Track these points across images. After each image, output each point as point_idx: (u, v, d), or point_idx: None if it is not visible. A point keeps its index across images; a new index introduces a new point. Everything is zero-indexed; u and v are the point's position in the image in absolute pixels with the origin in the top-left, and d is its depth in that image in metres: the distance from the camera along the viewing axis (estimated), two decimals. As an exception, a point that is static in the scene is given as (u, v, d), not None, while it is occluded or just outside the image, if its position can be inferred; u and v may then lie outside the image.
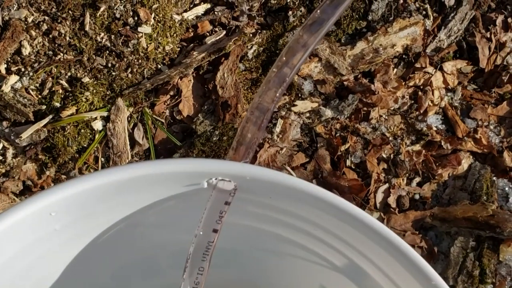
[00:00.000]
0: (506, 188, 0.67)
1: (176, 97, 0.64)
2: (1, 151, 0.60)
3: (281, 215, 0.32)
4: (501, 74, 0.72)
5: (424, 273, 0.27)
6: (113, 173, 0.28)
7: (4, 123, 0.61)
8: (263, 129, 0.51)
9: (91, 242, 0.34)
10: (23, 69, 0.60)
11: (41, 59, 0.60)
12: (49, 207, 0.28)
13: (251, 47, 0.67)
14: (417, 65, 0.70)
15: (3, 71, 0.60)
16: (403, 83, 0.70)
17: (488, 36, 0.72)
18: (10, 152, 0.60)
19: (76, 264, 0.36)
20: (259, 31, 0.67)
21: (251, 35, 0.66)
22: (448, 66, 0.71)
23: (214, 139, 0.64)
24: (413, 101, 0.70)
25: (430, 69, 0.71)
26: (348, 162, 0.68)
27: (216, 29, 0.67)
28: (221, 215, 0.30)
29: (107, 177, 0.28)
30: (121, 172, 0.28)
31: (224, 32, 0.66)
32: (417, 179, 0.68)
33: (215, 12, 0.66)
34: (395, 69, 0.70)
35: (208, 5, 0.66)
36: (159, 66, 0.63)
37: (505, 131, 0.71)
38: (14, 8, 0.60)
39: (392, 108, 0.70)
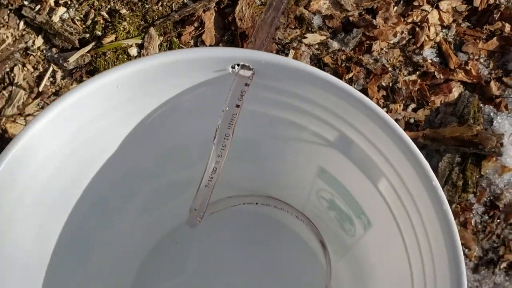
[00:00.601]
0: (491, 114, 0.76)
1: (200, 28, 0.73)
2: (51, 74, 0.70)
3: (287, 97, 0.41)
4: (492, 13, 0.79)
5: (397, 133, 0.37)
6: (164, 55, 0.37)
7: (54, 50, 0.70)
8: (274, 25, 0.59)
9: (141, 121, 0.44)
10: (69, 2, 0.69)
11: (84, -7, 0.69)
12: (116, 80, 0.38)
13: (267, -15, 0.75)
14: (415, 3, 0.78)
15: (52, 4, 0.69)
16: (402, 20, 0.78)
17: (482, -23, 0.79)
18: (59, 75, 0.70)
19: (126, 143, 0.46)
20: (274, -29, 0.75)
21: (266, -26, 0.75)
22: (444, 4, 0.79)
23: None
24: (411, 36, 0.78)
25: (427, 7, 0.78)
26: (351, 89, 0.76)
27: (236, -32, 0.75)
28: (242, 94, 0.40)
29: (159, 58, 0.37)
30: (170, 55, 0.37)
31: (243, -29, 0.74)
32: (412, 105, 0.77)
33: (235, -47, 0.74)
34: (395, 7, 0.78)
35: None
36: (185, 0, 0.72)
37: (493, 64, 0.79)
38: None
39: (391, 42, 0.78)
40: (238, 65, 0.39)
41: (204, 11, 0.71)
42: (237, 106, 0.40)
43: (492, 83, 0.77)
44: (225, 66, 0.39)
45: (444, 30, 0.79)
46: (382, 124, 0.37)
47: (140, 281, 0.63)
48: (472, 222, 0.71)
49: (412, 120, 0.76)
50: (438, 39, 0.78)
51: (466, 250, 0.71)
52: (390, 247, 0.43)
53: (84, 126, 0.42)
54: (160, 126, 0.46)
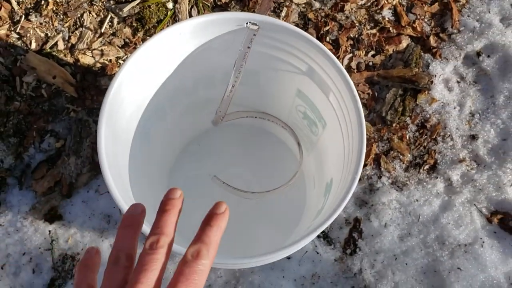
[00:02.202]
0: (429, 60, 1.04)
1: (218, -11, 0.99)
2: (110, 19, 0.97)
3: (277, 42, 0.68)
4: (437, -17, 1.05)
5: (336, 64, 0.65)
6: (207, 16, 0.64)
7: (111, 1, 0.97)
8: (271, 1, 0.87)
9: (189, 55, 0.71)
10: (124, -33, 0.95)
11: (135, -39, 0.95)
12: (178, 29, 0.65)
13: (268, -42, 1.00)
14: (379, -25, 1.04)
15: (111, -32, 0.95)
16: (368, -13, 1.04)
17: (431, -44, 1.05)
18: (115, 20, 0.97)
19: (178, 69, 0.74)
20: None
21: (268, -51, 1.00)
22: (401, -24, 1.05)
23: (241, 18, 0.99)
24: (374, 0, 1.05)
25: (388, -23, 1.04)
26: (327, 39, 1.04)
27: None
28: (251, 40, 0.68)
29: (205, 17, 0.64)
30: (211, 16, 0.64)
31: None
32: (372, 52, 1.05)
33: None
34: (364, -23, 1.04)
35: None
36: (208, -32, 0.98)
37: (434, 23, 1.06)
38: None
39: (359, 4, 1.05)
40: (249, 22, 0.67)
41: (221, -23, 0.97)
42: (248, 47, 0.68)
43: (432, 38, 1.04)
44: (241, 23, 0.67)
45: (399, -4, 1.05)
46: (328, 59, 0.65)
47: (177, 167, 0.93)
48: (407, 137, 1.01)
49: (371, 63, 1.04)
50: (394, 2, 1.05)
51: (401, 156, 1.00)
52: (336, 137, 0.72)
53: (156, 60, 0.69)
54: (199, 59, 0.74)
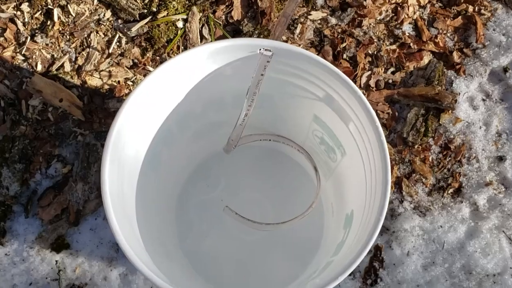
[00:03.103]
0: (452, 77, 0.98)
1: (230, 6, 0.95)
2: (118, 39, 0.94)
3: (293, 68, 0.64)
4: (460, -4, 1.00)
5: (358, 94, 0.60)
6: (220, 42, 0.60)
7: (119, 21, 0.93)
8: (290, 18, 0.82)
9: (201, 80, 0.67)
10: (132, -15, 0.91)
11: (144, -22, 0.91)
12: (189, 57, 0.61)
13: (282, -28, 0.96)
14: (399, -12, 0.99)
15: (119, -14, 0.91)
16: (387, 1, 0.99)
17: (453, -33, 1.00)
18: (123, 40, 0.94)
19: (190, 94, 0.70)
20: (288, -40, 0.96)
21: (282, -37, 0.96)
22: (422, -11, 1.00)
23: (254, 37, 0.95)
24: (393, 14, 1.00)
25: (408, -9, 1.00)
26: (344, 56, 0.99)
27: (258, -42, 0.96)
28: (265, 67, 0.63)
29: (218, 44, 0.60)
30: (224, 42, 0.60)
31: (263, -39, 0.96)
32: (392, 69, 1.00)
33: None
34: (383, -10, 0.99)
35: None
36: (219, -15, 0.94)
37: (457, 38, 1.00)
38: None
39: (378, 19, 1.00)
40: (263, 48, 0.63)
41: (233, -7, 0.93)
42: (262, 75, 0.64)
43: (455, 53, 0.99)
44: (254, 49, 0.63)
45: (420, 9, 1.00)
46: (348, 87, 0.60)
47: (186, 192, 0.89)
48: (430, 159, 0.96)
49: (390, 81, 0.99)
50: (415, 16, 1.00)
51: (424, 179, 0.95)
52: (355, 166, 0.67)
53: (165, 86, 0.66)
54: (209, 84, 0.70)
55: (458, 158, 0.95)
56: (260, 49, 0.63)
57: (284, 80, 0.69)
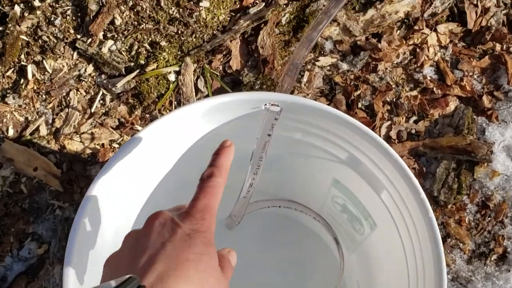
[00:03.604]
0: (483, 124, 0.86)
1: (227, 55, 0.84)
2: (101, 97, 0.82)
3: (307, 126, 0.52)
4: (485, 34, 0.89)
5: (393, 158, 0.48)
6: (216, 98, 0.48)
7: (103, 76, 0.82)
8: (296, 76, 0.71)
9: (194, 143, 0.55)
10: (116, 36, 0.81)
11: (129, 28, 0.81)
12: (180, 116, 0.49)
13: (284, 15, 0.86)
14: (416, 27, 0.89)
15: (101, 37, 0.81)
16: (404, 42, 0.89)
17: (475, 2, 0.89)
18: (108, 98, 0.82)
19: (181, 161, 0.57)
20: (290, 2, 0.86)
21: (284, 5, 0.86)
22: (442, 27, 0.89)
23: (256, 87, 0.84)
24: (412, 56, 0.89)
25: (426, 30, 0.89)
26: (359, 105, 0.87)
27: (257, 1, 0.86)
28: (272, 126, 0.51)
29: (214, 100, 0.48)
30: (227, 97, 0.49)
31: (264, 4, 0.85)
32: (414, 118, 0.88)
33: (256, -12, 0.85)
34: (398, 31, 0.89)
35: (251, -17, 0.85)
36: (215, 32, 0.83)
37: (485, 80, 0.89)
38: (108, -10, 0.80)
39: (395, 62, 0.89)
40: (269, 103, 0.51)
41: (231, 41, 0.83)
42: (269, 135, 0.51)
43: (485, 97, 0.87)
44: (259, 105, 0.51)
45: (441, 50, 0.89)
46: (382, 150, 0.48)
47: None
48: (466, 220, 0.82)
49: (413, 131, 0.87)
50: (436, 58, 0.89)
51: (461, 244, 0.81)
52: (391, 243, 0.54)
53: (152, 152, 0.53)
54: (205, 147, 0.57)
55: (500, 218, 0.81)
56: (266, 104, 0.51)
57: (296, 139, 0.57)
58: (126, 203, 0.55)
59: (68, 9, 0.81)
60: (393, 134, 0.86)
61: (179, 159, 0.58)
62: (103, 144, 0.80)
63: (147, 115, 0.82)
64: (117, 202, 0.52)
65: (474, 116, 0.87)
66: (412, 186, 0.45)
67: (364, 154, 0.51)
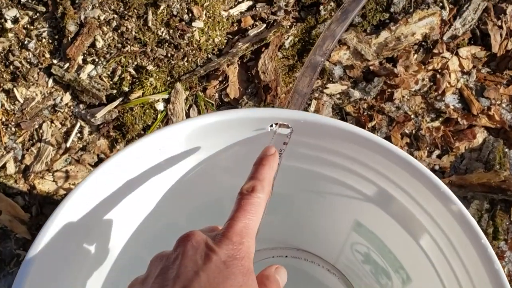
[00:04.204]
0: (517, 158, 0.76)
1: (224, 82, 0.74)
2: (79, 129, 0.72)
3: (325, 153, 0.41)
4: (511, 58, 0.80)
5: (441, 190, 0.36)
6: (206, 117, 0.38)
7: (81, 106, 0.72)
8: (311, 87, 0.61)
9: (179, 180, 0.44)
10: (97, 60, 0.71)
11: (112, 51, 0.71)
12: (158, 142, 0.38)
13: (288, 38, 0.76)
14: (435, 51, 0.79)
15: (80, 62, 0.71)
16: (423, 67, 0.79)
17: (500, 24, 0.81)
18: (86, 130, 0.72)
19: (163, 202, 0.46)
20: (295, 23, 0.77)
21: (287, 27, 0.76)
22: (464, 51, 0.80)
23: (257, 118, 0.73)
24: (432, 83, 0.79)
25: (447, 54, 0.80)
26: (374, 137, 0.77)
27: (257, 23, 0.77)
28: (280, 152, 0.40)
29: (200, 120, 0.38)
30: (213, 116, 0.38)
31: (264, 25, 0.76)
32: (437, 152, 0.77)
33: (256, 8, 0.76)
34: (416, 55, 0.79)
35: (250, 2, 0.77)
36: (210, 56, 0.74)
37: (516, 108, 0.79)
38: (89, 9, 0.71)
39: (413, 89, 0.79)
40: (276, 124, 0.40)
41: (228, 65, 0.73)
42: (277, 164, 0.40)
43: (516, 128, 0.77)
44: (263, 125, 0.40)
45: (464, 76, 0.80)
46: (425, 181, 0.37)
47: None
48: (505, 270, 0.70)
49: (437, 167, 0.76)
50: (459, 85, 0.79)
51: (501, 299, 0.69)
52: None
53: (122, 188, 0.42)
54: (196, 183, 0.46)
55: (545, 268, 0.69)
56: (272, 126, 0.40)
57: (310, 171, 0.45)
58: (96, 259, 0.43)
59: (44, 31, 0.72)
60: (414, 170, 0.75)
61: (162, 199, 0.47)
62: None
63: (130, 145, 0.71)
64: (81, 259, 0.41)
65: (506, 149, 0.76)
66: (469, 227, 0.34)
67: (399, 187, 0.40)
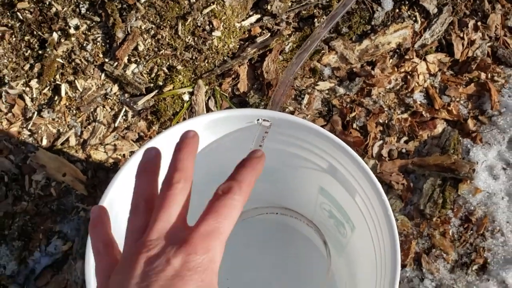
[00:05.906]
0: (468, 145, 0.94)
1: (236, 79, 0.95)
2: (124, 113, 0.93)
3: (295, 140, 0.61)
4: (471, 64, 0.98)
5: (354, 158, 0.56)
6: (217, 113, 0.58)
7: (126, 95, 0.93)
8: (285, 94, 0.81)
9: (200, 152, 0.65)
10: (138, 60, 0.92)
11: (150, 54, 0.92)
12: (187, 128, 0.59)
13: (288, 44, 0.96)
14: (407, 57, 0.98)
15: (126, 61, 0.93)
16: (396, 70, 0.98)
17: (462, 35, 0.98)
18: (129, 114, 0.93)
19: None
20: (294, 32, 0.97)
21: (287, 35, 0.96)
22: (431, 57, 0.98)
23: (261, 108, 0.94)
24: (403, 83, 0.98)
25: (416, 59, 0.98)
26: (354, 125, 0.96)
27: (264, 31, 0.97)
28: (263, 138, 0.61)
29: (214, 115, 0.58)
30: (222, 113, 0.58)
31: (269, 34, 0.96)
32: (404, 138, 0.96)
33: (263, 20, 0.96)
34: (391, 60, 0.98)
35: (258, 15, 0.96)
36: (225, 58, 0.94)
37: (471, 105, 0.97)
38: (133, 20, 0.92)
39: (387, 87, 0.98)
40: (261, 119, 0.60)
41: (239, 66, 0.93)
42: (260, 146, 0.61)
43: (470, 121, 0.95)
44: (253, 120, 0.60)
45: (431, 78, 0.98)
46: (350, 158, 0.57)
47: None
48: (450, 232, 0.89)
49: (403, 150, 0.95)
50: (426, 84, 0.98)
51: (445, 254, 0.88)
52: (365, 242, 0.62)
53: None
54: (209, 156, 0.67)
55: (481, 232, 0.88)
56: (258, 120, 0.60)
57: (288, 152, 0.66)
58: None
59: (99, 36, 0.93)
60: (384, 152, 0.94)
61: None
62: (124, 155, 0.91)
63: (163, 130, 0.92)
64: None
65: (460, 138, 0.94)
66: (375, 187, 0.54)
67: (339, 163, 0.60)
